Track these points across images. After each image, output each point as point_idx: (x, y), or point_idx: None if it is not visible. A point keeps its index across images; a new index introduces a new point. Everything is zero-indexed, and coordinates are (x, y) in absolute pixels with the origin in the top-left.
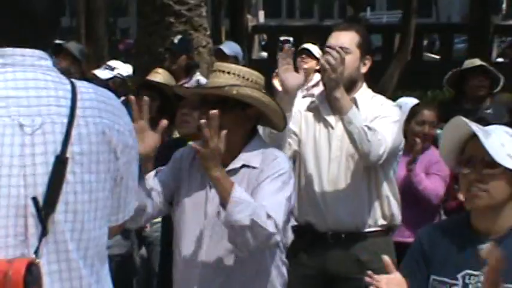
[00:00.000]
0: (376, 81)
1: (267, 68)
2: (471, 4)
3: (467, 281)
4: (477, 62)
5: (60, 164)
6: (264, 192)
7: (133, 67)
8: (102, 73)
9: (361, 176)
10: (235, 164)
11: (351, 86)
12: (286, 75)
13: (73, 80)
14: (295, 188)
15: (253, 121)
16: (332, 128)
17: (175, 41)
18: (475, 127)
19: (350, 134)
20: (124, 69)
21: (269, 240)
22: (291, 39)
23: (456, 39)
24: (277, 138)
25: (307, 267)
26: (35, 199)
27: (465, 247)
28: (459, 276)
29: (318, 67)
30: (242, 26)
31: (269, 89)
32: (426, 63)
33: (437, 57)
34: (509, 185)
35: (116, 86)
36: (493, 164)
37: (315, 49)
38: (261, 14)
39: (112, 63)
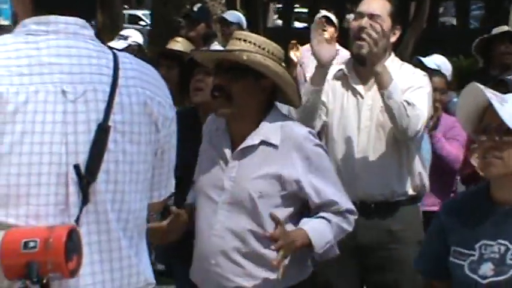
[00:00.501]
0: (392, 49)
1: (282, 36)
2: None
3: (483, 251)
4: (504, 28)
5: (102, 132)
6: (314, 179)
7: (149, 36)
8: (117, 44)
9: (392, 146)
10: (253, 140)
11: (380, 57)
12: (319, 48)
13: (114, 50)
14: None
15: (267, 93)
16: (362, 97)
17: (195, 8)
18: (490, 94)
19: (390, 109)
20: (137, 36)
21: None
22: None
23: (472, 5)
24: (307, 112)
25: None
26: (76, 167)
27: (483, 217)
28: (476, 246)
29: (336, 34)
30: None
31: (285, 59)
32: (442, 31)
33: (454, 23)
34: None
35: (133, 53)
36: (508, 131)
37: (333, 16)
38: None
39: (125, 32)
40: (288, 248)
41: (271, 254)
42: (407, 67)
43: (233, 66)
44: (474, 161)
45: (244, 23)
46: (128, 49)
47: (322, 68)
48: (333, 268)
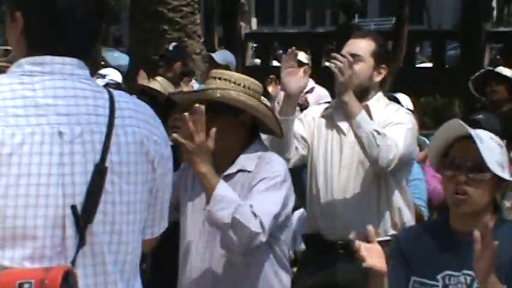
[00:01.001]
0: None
1: (260, 75)
2: (463, 11)
3: (447, 281)
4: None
5: (99, 173)
6: (254, 193)
7: (127, 74)
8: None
9: (372, 184)
10: (231, 169)
11: (362, 94)
12: (289, 79)
13: (110, 89)
14: (290, 192)
15: (247, 127)
16: (344, 134)
17: (170, 48)
18: (472, 130)
19: (359, 138)
20: (115, 74)
21: (253, 239)
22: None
23: (448, 45)
24: (279, 144)
25: (317, 277)
26: (73, 208)
27: (444, 248)
28: (439, 277)
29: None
30: (235, 33)
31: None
32: (419, 70)
33: (430, 64)
34: (492, 191)
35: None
36: (481, 168)
37: (302, 56)
38: (254, 21)
39: (102, 71)
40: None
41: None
42: (393, 106)
43: (210, 104)
44: (452, 197)
45: (233, 64)
46: (106, 87)
47: (290, 98)
48: None
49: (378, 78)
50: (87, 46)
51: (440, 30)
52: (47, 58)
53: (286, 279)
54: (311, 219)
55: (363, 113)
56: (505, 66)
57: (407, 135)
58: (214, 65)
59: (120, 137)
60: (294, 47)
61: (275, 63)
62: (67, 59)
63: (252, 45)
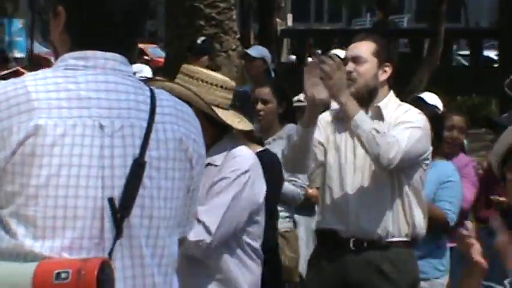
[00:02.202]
0: (405, 86)
1: (296, 71)
2: (500, 9)
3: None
4: None
5: (138, 167)
6: (210, 193)
7: (164, 70)
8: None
9: (385, 184)
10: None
11: (371, 94)
12: (312, 91)
13: (152, 87)
14: (256, 186)
15: (203, 120)
16: (350, 136)
17: (199, 41)
18: None
19: (358, 138)
20: (146, 70)
21: (197, 245)
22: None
23: (485, 44)
24: (300, 153)
25: (328, 273)
26: (111, 200)
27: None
28: (506, 282)
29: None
30: (271, 29)
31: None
32: (456, 69)
33: (466, 63)
34: None
35: None
36: None
37: (342, 54)
38: (290, 18)
39: (134, 67)
40: None
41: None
42: (405, 106)
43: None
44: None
45: (269, 57)
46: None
47: (311, 109)
48: None
49: (383, 77)
50: (130, 43)
51: (478, 28)
52: (90, 53)
53: (255, 268)
54: (324, 216)
55: (361, 113)
56: None
57: (414, 134)
58: (250, 59)
59: (159, 133)
60: (320, 56)
61: (310, 59)
62: (109, 55)
63: (287, 41)
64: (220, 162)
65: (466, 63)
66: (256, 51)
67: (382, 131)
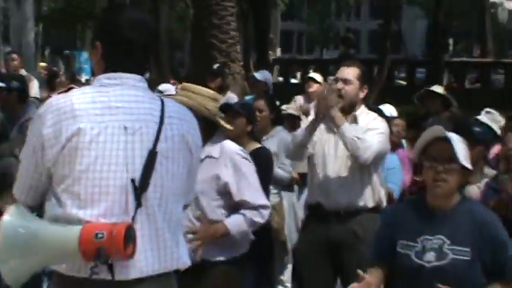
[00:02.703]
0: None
1: (282, 89)
2: (428, 45)
3: (424, 243)
4: (432, 87)
5: (151, 156)
6: (238, 184)
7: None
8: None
9: (357, 170)
10: (202, 155)
11: (351, 107)
12: (326, 110)
13: (162, 98)
14: None
15: (202, 122)
16: (336, 135)
17: (215, 67)
18: (448, 133)
19: (344, 142)
20: (170, 89)
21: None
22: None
23: (418, 69)
24: (299, 148)
25: (315, 235)
26: (133, 181)
27: (423, 219)
28: (418, 240)
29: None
30: (266, 58)
31: (281, 102)
32: (396, 87)
33: (404, 83)
34: (459, 177)
35: None
36: (454, 161)
37: (317, 76)
38: (278, 50)
39: (160, 87)
40: (205, 237)
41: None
42: (372, 114)
43: None
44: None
45: (270, 80)
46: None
47: (318, 123)
48: (311, 260)
49: (362, 95)
50: (144, 67)
51: (412, 59)
52: (117, 74)
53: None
54: (312, 194)
55: (346, 124)
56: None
57: (380, 139)
58: (256, 81)
59: (167, 131)
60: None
61: (293, 80)
62: (130, 75)
63: (277, 67)
64: (218, 155)
65: (404, 83)
66: (261, 75)
67: (361, 138)
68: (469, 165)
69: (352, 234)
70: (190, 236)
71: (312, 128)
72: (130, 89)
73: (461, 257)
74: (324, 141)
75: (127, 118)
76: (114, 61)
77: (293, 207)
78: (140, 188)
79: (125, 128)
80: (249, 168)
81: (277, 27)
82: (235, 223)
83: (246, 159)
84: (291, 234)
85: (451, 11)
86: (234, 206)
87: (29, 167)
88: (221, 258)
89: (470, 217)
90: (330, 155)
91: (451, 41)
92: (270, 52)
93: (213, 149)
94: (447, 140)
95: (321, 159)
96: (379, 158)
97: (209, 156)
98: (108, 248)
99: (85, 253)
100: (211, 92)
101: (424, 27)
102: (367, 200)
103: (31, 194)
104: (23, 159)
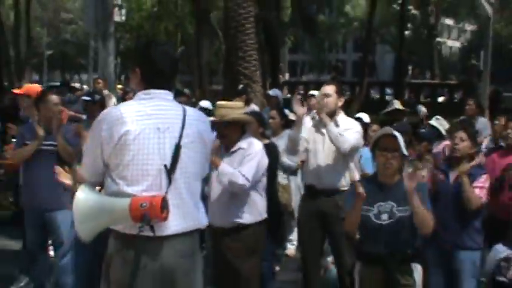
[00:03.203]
0: (347, 109)
1: (290, 103)
2: (393, 72)
3: (379, 208)
4: (395, 105)
5: (177, 148)
6: (244, 162)
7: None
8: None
9: (340, 159)
10: (235, 148)
11: (332, 113)
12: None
13: (184, 106)
14: (262, 160)
15: (239, 127)
16: (324, 135)
17: (240, 87)
18: (394, 131)
19: (330, 138)
20: (208, 104)
21: (241, 187)
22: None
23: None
24: (295, 142)
25: (310, 207)
26: (165, 166)
27: (377, 190)
28: (375, 205)
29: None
30: (277, 81)
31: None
32: (371, 101)
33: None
34: (400, 162)
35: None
36: (398, 150)
37: (317, 93)
38: (286, 75)
39: (201, 103)
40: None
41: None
42: (349, 119)
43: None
44: (383, 166)
45: (280, 96)
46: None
47: (299, 125)
48: (306, 225)
49: (340, 104)
50: (172, 84)
51: (383, 81)
52: (151, 91)
53: (263, 198)
54: (307, 178)
55: (332, 124)
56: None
57: (355, 136)
58: (270, 97)
59: (188, 129)
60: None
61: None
62: (161, 91)
63: (286, 87)
64: (246, 147)
65: (377, 98)
66: (274, 92)
67: (342, 135)
68: (406, 153)
69: (336, 205)
70: None
71: (298, 127)
72: (161, 101)
73: (405, 214)
74: (315, 140)
75: (159, 121)
76: (148, 82)
77: (298, 187)
78: (170, 171)
79: (158, 128)
80: (256, 154)
81: (285, 59)
82: (227, 168)
83: (260, 151)
84: (297, 206)
85: (410, 48)
86: None
87: (92, 158)
88: (250, 222)
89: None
90: (319, 150)
91: (410, 68)
92: (280, 76)
93: (243, 143)
94: (393, 136)
95: (313, 153)
96: (354, 150)
97: (241, 148)
98: (150, 214)
99: (134, 217)
100: (237, 104)
101: (391, 59)
102: (346, 181)
103: (94, 176)
104: (87, 152)
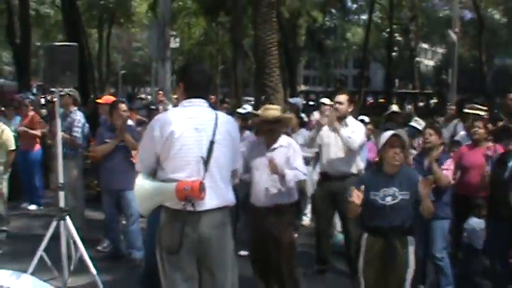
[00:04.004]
0: (350, 114)
1: (306, 108)
2: (384, 83)
3: (385, 193)
4: (393, 108)
5: (211, 144)
6: (295, 158)
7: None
8: (240, 110)
9: (347, 153)
10: (276, 145)
11: (343, 118)
12: (325, 120)
13: (216, 111)
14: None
15: (282, 125)
16: (336, 134)
17: (263, 97)
18: (400, 132)
19: (342, 140)
20: (250, 108)
21: (297, 178)
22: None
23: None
24: (313, 141)
25: (324, 188)
26: (202, 157)
27: (382, 179)
28: (381, 191)
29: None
30: (295, 91)
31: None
32: (367, 107)
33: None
34: (404, 156)
35: (247, 118)
36: (403, 148)
37: (327, 101)
38: (302, 86)
39: (245, 106)
40: (274, 166)
41: (287, 190)
42: (356, 122)
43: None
44: (391, 161)
45: (300, 103)
46: (247, 115)
47: (320, 128)
48: (320, 200)
49: (350, 110)
50: (207, 94)
51: (376, 90)
52: (192, 100)
53: (294, 186)
54: (322, 166)
55: (343, 130)
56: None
57: (361, 136)
58: (290, 104)
59: (219, 129)
60: (327, 106)
61: (311, 103)
62: (199, 100)
63: (301, 95)
64: (286, 145)
65: (372, 104)
66: (294, 100)
67: (351, 137)
68: (407, 150)
69: (344, 188)
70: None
71: (318, 130)
72: (199, 107)
73: (405, 197)
74: (328, 136)
75: (197, 123)
76: (189, 93)
77: (310, 174)
78: (206, 162)
79: (196, 128)
80: (299, 150)
81: (301, 74)
82: (291, 173)
83: (298, 147)
84: (309, 188)
85: (396, 65)
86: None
87: (146, 153)
88: (290, 202)
89: (407, 176)
90: (332, 144)
91: (396, 80)
92: (297, 87)
93: (282, 141)
94: (399, 136)
95: (326, 146)
96: (361, 146)
97: (282, 146)
98: (191, 194)
99: (179, 197)
100: (279, 107)
101: (382, 73)
102: (353, 169)
103: (147, 168)
104: (142, 148)
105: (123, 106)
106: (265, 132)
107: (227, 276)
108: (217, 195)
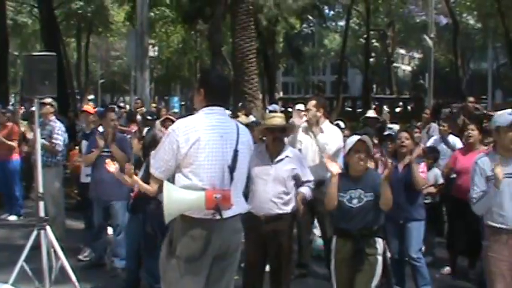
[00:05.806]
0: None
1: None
2: (362, 89)
3: (351, 195)
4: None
5: (236, 153)
6: (304, 168)
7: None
8: (244, 120)
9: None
10: (281, 156)
11: (317, 122)
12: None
13: (236, 122)
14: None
15: (282, 133)
16: (312, 138)
17: (240, 104)
18: (364, 138)
19: (317, 144)
20: (253, 118)
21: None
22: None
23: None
24: (293, 143)
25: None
26: (228, 166)
27: (348, 181)
28: (347, 192)
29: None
30: (273, 98)
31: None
32: (346, 112)
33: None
34: (367, 161)
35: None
36: (368, 152)
37: (302, 106)
38: (281, 93)
39: (250, 116)
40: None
41: (288, 200)
42: (332, 126)
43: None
44: (356, 164)
45: (278, 109)
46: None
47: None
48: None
49: (319, 114)
50: (227, 102)
51: (354, 96)
52: (212, 108)
53: (293, 196)
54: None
55: (320, 135)
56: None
57: (338, 142)
58: (269, 111)
59: (241, 138)
60: (299, 108)
61: (289, 109)
62: (219, 108)
63: (280, 102)
64: (292, 156)
65: (350, 109)
66: (272, 107)
67: (327, 143)
68: (372, 153)
69: (322, 192)
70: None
71: (296, 134)
72: (220, 116)
73: (370, 199)
74: (305, 141)
75: (222, 131)
76: (210, 99)
77: None
78: (231, 170)
79: (221, 136)
80: (304, 160)
81: (279, 80)
82: (307, 191)
83: (303, 158)
84: None
85: (374, 71)
86: (300, 183)
87: (167, 159)
88: (291, 211)
89: (371, 178)
90: (308, 148)
91: (374, 86)
92: (276, 94)
93: (287, 152)
94: (364, 141)
95: (304, 151)
96: (337, 151)
97: (287, 157)
98: (222, 203)
99: (208, 206)
100: (281, 115)
101: (360, 79)
102: (329, 174)
103: (167, 174)
104: (162, 154)
105: (112, 115)
106: (271, 140)
107: (232, 276)
108: (237, 202)
